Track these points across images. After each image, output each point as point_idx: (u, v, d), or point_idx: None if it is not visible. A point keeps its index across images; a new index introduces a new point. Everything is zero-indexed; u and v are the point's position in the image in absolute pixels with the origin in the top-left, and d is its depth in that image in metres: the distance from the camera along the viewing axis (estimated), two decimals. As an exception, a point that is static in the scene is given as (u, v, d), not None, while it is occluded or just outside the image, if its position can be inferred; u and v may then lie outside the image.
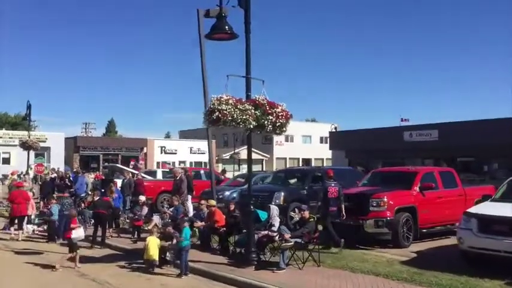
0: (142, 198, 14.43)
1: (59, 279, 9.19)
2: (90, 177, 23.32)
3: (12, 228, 13.94)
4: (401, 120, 39.65)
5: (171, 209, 12.99)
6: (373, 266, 9.03)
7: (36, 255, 11.45)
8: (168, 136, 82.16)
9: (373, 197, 10.87)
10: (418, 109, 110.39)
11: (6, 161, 42.02)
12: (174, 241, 9.69)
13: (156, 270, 9.58)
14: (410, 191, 11.34)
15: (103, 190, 16.52)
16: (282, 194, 13.84)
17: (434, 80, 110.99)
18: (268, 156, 56.68)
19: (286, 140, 57.69)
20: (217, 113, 8.67)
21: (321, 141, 59.69)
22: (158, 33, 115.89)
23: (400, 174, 12.56)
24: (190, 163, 49.36)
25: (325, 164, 53.50)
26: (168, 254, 9.69)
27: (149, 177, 21.62)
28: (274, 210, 10.71)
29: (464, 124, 26.05)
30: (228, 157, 49.76)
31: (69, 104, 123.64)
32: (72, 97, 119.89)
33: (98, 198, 14.03)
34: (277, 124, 9.24)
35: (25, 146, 23.34)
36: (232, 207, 11.44)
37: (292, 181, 15.75)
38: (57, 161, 41.96)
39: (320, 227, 10.50)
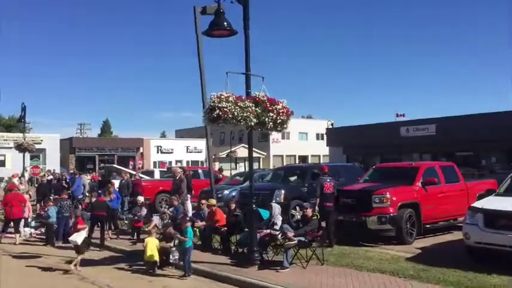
0: (140, 198, 14.26)
1: (59, 283, 9.01)
2: (86, 179, 23.09)
3: (3, 233, 13.70)
4: (397, 115, 39.56)
5: (170, 209, 12.81)
6: (379, 263, 8.90)
7: (35, 258, 11.25)
8: (163, 135, 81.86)
9: (375, 193, 10.75)
10: (414, 104, 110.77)
11: (2, 163, 41.65)
12: (176, 242, 9.53)
13: (158, 271, 9.43)
14: (412, 187, 11.23)
15: (100, 191, 16.32)
16: (283, 191, 13.71)
17: (429, 75, 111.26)
18: (265, 154, 56.55)
19: (283, 138, 57.50)
20: (217, 111, 8.51)
21: (318, 138, 59.63)
22: (152, 32, 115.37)
23: (401, 169, 12.46)
24: (187, 162, 49.19)
25: (322, 161, 53.51)
26: (171, 256, 9.51)
27: (147, 177, 21.44)
28: (276, 208, 10.57)
29: (462, 118, 26.01)
30: (224, 155, 49.54)
31: (63, 105, 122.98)
32: (65, 98, 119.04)
33: (95, 199, 13.87)
34: (278, 121, 9.11)
35: (20, 148, 23.10)
36: (233, 206, 11.29)
37: (292, 178, 15.62)
38: (52, 163, 41.69)
39: (323, 224, 10.38)
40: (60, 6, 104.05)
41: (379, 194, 10.71)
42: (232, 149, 50.47)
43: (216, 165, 44.73)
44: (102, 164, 42.20)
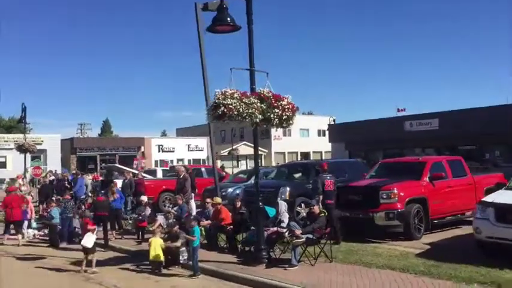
0: (144, 198, 14.17)
1: (65, 284, 8.92)
2: (88, 179, 23.00)
3: (6, 235, 13.61)
4: (398, 110, 39.47)
5: (175, 208, 12.70)
6: (388, 259, 8.78)
7: (39, 260, 11.15)
8: (164, 134, 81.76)
9: (382, 189, 10.62)
10: (414, 99, 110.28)
11: (2, 165, 41.56)
12: (180, 241, 9.41)
13: (164, 271, 9.33)
14: (420, 182, 11.11)
15: (103, 191, 16.21)
16: (288, 189, 13.56)
17: (430, 69, 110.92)
18: (267, 151, 56.43)
19: (284, 134, 57.40)
20: (222, 108, 8.38)
21: (319, 134, 59.51)
22: (151, 32, 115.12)
23: (408, 164, 12.33)
24: (189, 161, 49.10)
25: (324, 157, 53.41)
26: (180, 256, 9.39)
27: (149, 177, 21.31)
28: (283, 206, 10.46)
29: (465, 112, 25.85)
30: (226, 153, 49.44)
31: (63, 105, 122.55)
32: (65, 98, 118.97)
33: (95, 199, 13.78)
34: (284, 117, 8.99)
35: (21, 149, 22.96)
36: (238, 204, 11.16)
37: (297, 175, 15.47)
38: (53, 163, 41.60)
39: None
40: (59, 6, 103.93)
41: (386, 189, 10.58)
42: (233, 147, 50.40)
43: (218, 163, 44.64)
44: (103, 164, 42.06)
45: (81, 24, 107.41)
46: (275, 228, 9.79)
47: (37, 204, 19.38)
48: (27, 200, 16.34)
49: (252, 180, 17.45)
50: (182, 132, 69.70)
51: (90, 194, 18.37)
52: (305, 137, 60.78)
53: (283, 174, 15.93)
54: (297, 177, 15.36)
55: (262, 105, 8.78)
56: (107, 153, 49.41)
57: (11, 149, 34.01)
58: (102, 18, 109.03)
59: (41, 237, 14.20)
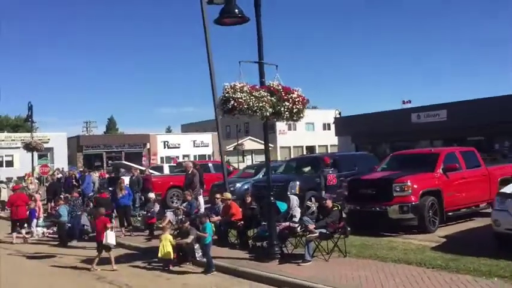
0: (152, 195, 14.07)
1: (75, 283, 8.82)
2: (95, 176, 22.95)
3: (14, 234, 13.58)
4: (403, 102, 39.10)
5: (184, 205, 12.59)
6: (403, 253, 8.60)
7: (50, 258, 11.11)
8: (169, 131, 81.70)
9: (396, 182, 10.41)
10: (419, 90, 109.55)
11: (10, 163, 41.71)
12: (190, 238, 9.28)
13: (175, 268, 9.21)
14: (433, 174, 10.89)
15: (110, 188, 16.14)
16: (298, 183, 13.41)
17: (435, 60, 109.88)
18: (272, 145, 56.21)
19: (289, 129, 57.19)
20: (232, 102, 8.21)
21: (324, 128, 59.25)
22: (152, 26, 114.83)
23: (421, 156, 12.13)
24: (194, 156, 49.01)
25: (329, 151, 53.18)
26: (196, 253, 9.26)
27: (156, 173, 21.22)
28: (294, 200, 10.31)
29: (473, 103, 25.59)
30: (231, 149, 49.30)
31: (67, 103, 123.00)
32: (69, 97, 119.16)
33: (98, 196, 13.71)
34: (294, 110, 8.84)
35: (29, 147, 22.95)
36: (249, 199, 11.01)
37: (306, 169, 15.30)
38: (60, 161, 41.74)
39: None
40: (61, 3, 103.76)
41: (400, 182, 10.37)
42: (239, 142, 50.26)
43: (224, 159, 44.62)
44: (110, 161, 42.06)
45: (82, 20, 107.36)
46: (287, 223, 9.65)
47: (45, 202, 19.36)
48: (36, 198, 16.34)
49: (261, 175, 17.35)
50: (187, 128, 69.66)
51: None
52: (310, 130, 60.51)
53: (292, 169, 15.77)
54: (306, 171, 15.19)
55: (272, 98, 8.62)
56: (113, 151, 49.46)
57: (18, 147, 34.06)
58: (102, 12, 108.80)
59: (50, 236, 14.15)
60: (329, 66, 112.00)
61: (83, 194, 17.93)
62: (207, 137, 54.56)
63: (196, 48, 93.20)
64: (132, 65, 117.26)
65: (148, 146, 51.02)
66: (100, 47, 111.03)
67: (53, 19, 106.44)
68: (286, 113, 8.76)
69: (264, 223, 9.91)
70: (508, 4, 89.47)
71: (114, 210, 13.52)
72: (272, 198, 9.17)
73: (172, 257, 9.29)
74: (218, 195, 11.87)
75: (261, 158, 54.37)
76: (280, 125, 53.08)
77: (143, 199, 16.18)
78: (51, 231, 14.30)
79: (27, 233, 14.36)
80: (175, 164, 27.74)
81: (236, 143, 49.46)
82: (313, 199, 13.24)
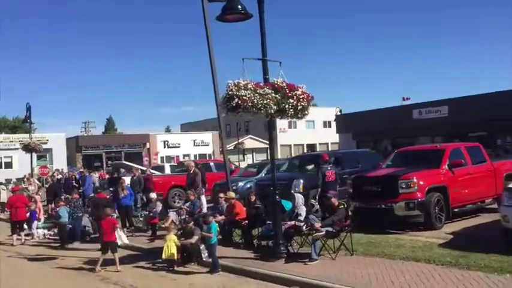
0: (153, 195, 13.94)
1: (79, 285, 8.69)
2: (95, 177, 22.83)
3: (14, 236, 13.45)
4: (403, 99, 39.08)
5: (187, 204, 12.47)
6: (411, 251, 8.50)
7: (51, 260, 10.97)
8: (168, 130, 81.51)
9: (402, 178, 10.29)
10: (418, 88, 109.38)
11: (9, 165, 41.54)
12: (195, 238, 9.17)
13: (180, 268, 9.09)
14: (439, 170, 10.78)
15: (111, 189, 16.01)
16: (301, 181, 13.30)
17: (435, 56, 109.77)
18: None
19: (290, 127, 57.02)
20: (236, 100, 8.11)
21: (325, 126, 59.14)
22: (150, 24, 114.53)
23: (426, 152, 12.02)
24: (195, 156, 48.84)
25: (330, 148, 53.08)
26: (203, 254, 9.14)
27: (157, 173, 21.09)
28: (300, 198, 10.19)
29: (475, 98, 25.51)
30: (232, 147, 49.15)
31: (65, 104, 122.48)
32: (67, 97, 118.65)
33: (107, 197, 13.56)
34: (299, 107, 8.74)
35: (28, 148, 22.81)
36: (253, 198, 10.88)
37: (309, 167, 15.18)
38: (59, 162, 41.57)
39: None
40: (58, 2, 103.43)
41: (405, 178, 10.26)
42: (239, 141, 50.13)
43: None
44: (109, 162, 41.90)
45: (80, 19, 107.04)
46: (292, 222, 9.53)
47: (45, 203, 19.23)
48: (36, 200, 16.21)
49: (263, 174, 17.24)
50: (186, 127, 69.50)
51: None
52: (311, 128, 60.38)
53: (295, 167, 15.65)
54: (310, 169, 15.07)
55: (277, 95, 8.51)
56: (112, 151, 49.26)
57: (17, 149, 33.92)
58: (100, 12, 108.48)
59: (50, 237, 14.02)
60: (328, 64, 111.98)
61: (83, 195, 17.82)
62: (207, 136, 54.41)
63: (196, 46, 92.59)
64: (129, 64, 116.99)
65: (148, 145, 50.84)
66: (97, 47, 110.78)
67: (51, 18, 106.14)
68: (291, 110, 8.66)
69: (268, 222, 9.80)
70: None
71: (116, 211, 13.38)
72: (277, 197, 9.05)
73: (175, 258, 9.17)
74: (222, 195, 11.74)
75: (262, 157, 54.33)
76: (281, 123, 52.88)
77: (145, 199, 16.06)
78: (52, 233, 14.17)
79: (27, 234, 14.25)
80: (176, 164, 27.62)
81: (236, 142, 49.33)
82: (317, 197, 13.11)
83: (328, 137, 54.64)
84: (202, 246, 9.09)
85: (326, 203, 9.81)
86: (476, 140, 24.47)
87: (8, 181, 29.85)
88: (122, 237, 9.36)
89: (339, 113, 36.06)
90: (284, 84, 8.68)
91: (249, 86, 8.23)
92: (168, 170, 22.84)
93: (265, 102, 8.26)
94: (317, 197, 10.73)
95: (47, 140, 40.53)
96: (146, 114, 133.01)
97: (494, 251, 7.83)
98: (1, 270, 10.08)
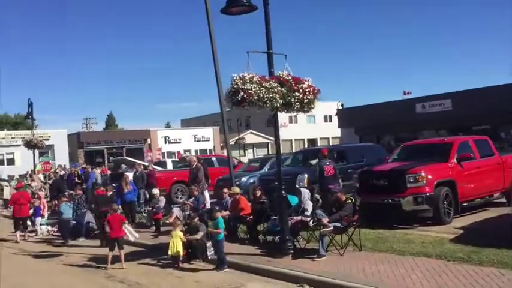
0: (156, 191, 13.83)
1: (85, 282, 8.57)
2: (97, 173, 22.72)
3: (17, 232, 13.36)
4: (405, 93, 38.90)
5: (191, 200, 12.33)
6: (422, 246, 8.35)
7: (56, 257, 10.87)
8: (168, 126, 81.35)
9: (409, 173, 10.13)
10: (420, 81, 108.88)
11: (11, 161, 41.45)
12: (200, 234, 9.04)
13: (185, 265, 8.97)
14: (447, 163, 10.62)
15: (113, 185, 15.90)
16: (306, 176, 13.15)
17: (435, 50, 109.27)
18: (273, 139, 55.89)
19: (290, 121, 56.79)
20: (242, 93, 7.96)
21: (325, 120, 58.93)
22: (148, 20, 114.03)
23: (433, 146, 11.85)
24: (195, 151, 48.72)
25: (331, 143, 52.89)
26: (208, 252, 9.01)
27: (160, 168, 20.95)
28: (306, 193, 10.07)
29: (478, 91, 25.34)
30: (233, 143, 48.98)
31: (65, 100, 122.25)
32: (67, 94, 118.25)
33: (110, 193, 13.45)
34: (305, 101, 8.60)
35: (30, 145, 22.70)
36: (258, 193, 10.73)
37: (314, 162, 15.00)
38: (62, 158, 41.48)
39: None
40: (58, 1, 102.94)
41: (413, 172, 10.09)
42: (240, 136, 49.97)
43: (225, 153, 44.36)
44: (111, 158, 41.80)
45: (79, 16, 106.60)
46: (299, 217, 9.40)
47: (49, 199, 19.12)
48: (39, 196, 16.10)
49: (266, 169, 17.09)
50: (187, 123, 69.29)
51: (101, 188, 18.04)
52: (311, 123, 60.15)
53: (299, 161, 15.50)
54: (314, 164, 14.89)
55: (283, 89, 8.35)
56: (113, 147, 49.18)
57: (19, 145, 33.83)
58: (99, 9, 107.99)
59: (54, 233, 13.92)
60: (329, 58, 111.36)
61: (86, 191, 17.68)
62: (208, 132, 54.25)
63: (196, 41, 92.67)
64: (129, 60, 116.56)
65: (149, 141, 50.73)
66: (100, 44, 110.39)
67: (51, 16, 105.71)
68: (297, 103, 8.53)
69: (274, 217, 9.68)
70: None
71: (120, 207, 13.25)
72: (284, 192, 8.91)
73: (181, 254, 9.04)
74: (226, 190, 11.61)
75: (263, 152, 54.17)
76: (281, 118, 52.41)
77: (147, 195, 15.94)
78: (56, 229, 14.06)
79: (31, 231, 14.16)
80: (178, 159, 27.48)
81: (237, 137, 49.17)
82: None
83: (329, 132, 54.45)
84: (209, 244, 8.95)
85: (332, 198, 9.67)
86: (480, 133, 24.38)
87: (11, 178, 29.78)
88: (132, 232, 9.25)
89: (340, 108, 35.86)
90: (290, 78, 8.54)
91: (255, 79, 8.08)
92: (170, 166, 22.71)
93: (271, 95, 8.12)
94: (315, 192, 10.68)
95: (49, 137, 40.45)
96: (146, 110, 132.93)
97: (506, 246, 7.67)
98: (5, 267, 9.99)
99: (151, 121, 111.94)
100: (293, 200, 10.04)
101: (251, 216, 10.39)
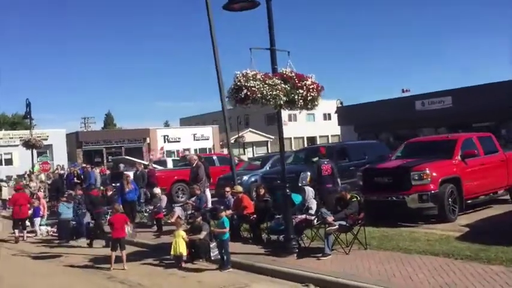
0: (156, 190, 13.71)
1: (86, 283, 8.45)
2: (97, 172, 22.58)
3: (17, 231, 13.24)
4: (403, 91, 38.79)
5: (193, 199, 12.21)
6: (428, 244, 8.24)
7: (56, 258, 10.75)
8: (167, 125, 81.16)
9: (414, 170, 10.04)
10: (419, 80, 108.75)
11: (9, 161, 41.22)
12: (203, 234, 8.93)
13: (188, 265, 8.85)
14: (451, 160, 10.53)
15: (113, 184, 15.77)
16: (308, 174, 13.03)
17: (435, 49, 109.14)
18: (273, 137, 55.77)
19: (290, 120, 56.61)
20: (245, 91, 7.83)
21: (325, 118, 58.85)
22: (147, 18, 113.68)
23: (437, 143, 11.75)
24: (195, 150, 48.56)
25: (330, 141, 52.84)
26: (211, 252, 8.90)
27: (160, 167, 20.82)
28: (310, 192, 9.97)
29: (478, 88, 25.22)
30: (232, 141, 48.87)
31: (63, 100, 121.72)
32: (65, 93, 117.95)
33: (111, 193, 13.35)
34: (309, 98, 8.47)
35: (28, 144, 22.55)
36: (262, 191, 10.62)
37: (315, 160, 14.91)
38: (60, 158, 41.25)
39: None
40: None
41: (418, 170, 9.99)
42: (239, 134, 49.85)
43: (225, 151, 44.18)
44: (110, 157, 41.60)
45: (78, 15, 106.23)
46: (303, 216, 9.30)
47: (48, 200, 18.98)
48: (38, 196, 15.97)
49: (267, 167, 16.99)
50: (186, 121, 69.15)
51: (101, 188, 17.91)
52: (311, 121, 60.09)
53: (301, 159, 15.40)
54: (315, 162, 14.81)
55: (286, 86, 8.24)
56: (112, 146, 48.93)
57: (17, 145, 33.62)
58: (98, 8, 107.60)
59: (54, 234, 13.80)
60: (329, 57, 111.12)
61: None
62: (207, 130, 54.08)
63: (196, 41, 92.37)
64: (128, 60, 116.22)
65: (148, 140, 50.53)
66: (98, 43, 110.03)
67: (51, 16, 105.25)
68: (301, 101, 8.41)
69: (278, 216, 9.58)
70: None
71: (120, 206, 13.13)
72: (288, 190, 8.81)
73: (184, 254, 8.92)
74: (228, 189, 11.49)
75: (262, 150, 54.07)
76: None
77: (148, 194, 15.81)
78: (55, 230, 13.95)
79: (30, 231, 14.04)
80: (178, 158, 27.36)
81: (237, 136, 49.05)
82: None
83: (329, 130, 54.40)
84: (212, 245, 8.83)
85: (336, 196, 9.56)
86: (481, 130, 24.30)
87: (9, 178, 29.58)
88: (133, 236, 9.15)
89: (339, 105, 35.77)
90: (293, 75, 8.42)
91: (258, 76, 7.96)
92: (170, 165, 22.58)
93: (274, 93, 8.00)
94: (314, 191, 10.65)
95: (47, 136, 40.13)
96: (145, 109, 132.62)
97: (514, 244, 7.58)
98: (4, 268, 9.87)
99: (149, 120, 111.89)
100: (296, 198, 9.95)
101: (254, 215, 10.28)
